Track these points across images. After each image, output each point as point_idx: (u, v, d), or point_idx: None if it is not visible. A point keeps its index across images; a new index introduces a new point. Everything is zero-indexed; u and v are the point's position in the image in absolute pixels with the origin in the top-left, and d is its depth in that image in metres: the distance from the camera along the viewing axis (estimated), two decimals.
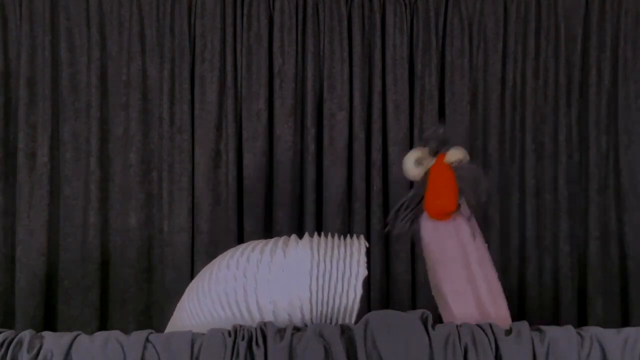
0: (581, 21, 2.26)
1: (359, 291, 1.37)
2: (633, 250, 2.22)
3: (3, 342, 1.25)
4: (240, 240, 2.20)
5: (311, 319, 1.38)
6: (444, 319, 1.51)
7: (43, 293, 2.15)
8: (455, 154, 1.61)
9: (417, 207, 1.61)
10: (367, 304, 2.08)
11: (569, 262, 2.22)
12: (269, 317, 1.36)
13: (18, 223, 2.16)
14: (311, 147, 2.23)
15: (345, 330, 1.28)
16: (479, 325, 1.29)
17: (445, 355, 1.24)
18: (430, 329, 1.27)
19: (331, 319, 1.39)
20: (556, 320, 2.18)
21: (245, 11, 2.22)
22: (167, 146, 2.21)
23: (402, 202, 1.63)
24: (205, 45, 2.22)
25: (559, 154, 2.25)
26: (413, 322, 1.28)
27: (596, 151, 2.25)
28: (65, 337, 1.26)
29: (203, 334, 1.28)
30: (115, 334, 1.27)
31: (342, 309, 1.37)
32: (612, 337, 1.29)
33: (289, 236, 1.51)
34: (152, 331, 1.28)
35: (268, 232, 2.22)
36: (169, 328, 1.52)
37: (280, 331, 1.28)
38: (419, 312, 1.31)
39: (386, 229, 1.72)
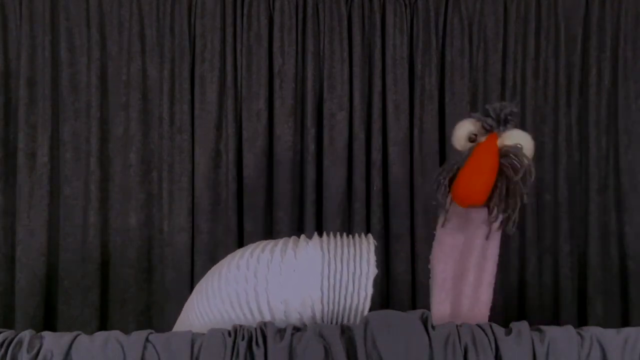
0: (581, 21, 2.26)
1: (370, 290, 1.37)
2: (633, 250, 2.22)
3: (3, 342, 1.25)
4: (240, 240, 2.20)
5: (322, 319, 1.38)
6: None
7: (43, 293, 2.15)
8: (513, 138, 1.40)
9: (448, 182, 1.42)
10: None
11: (569, 262, 2.23)
12: (280, 317, 1.37)
13: (18, 223, 2.16)
14: (311, 147, 2.23)
15: (345, 330, 1.28)
16: (479, 325, 1.29)
17: (445, 355, 1.24)
18: (430, 329, 1.27)
19: (342, 319, 1.39)
20: (556, 320, 2.18)
21: (245, 11, 2.22)
22: (167, 146, 2.21)
23: (441, 170, 1.45)
24: (205, 45, 2.22)
25: (559, 154, 2.25)
26: (413, 322, 1.28)
27: (596, 151, 2.25)
28: (65, 337, 1.26)
29: (203, 334, 1.28)
30: (115, 334, 1.27)
31: (352, 308, 1.37)
32: (612, 337, 1.29)
33: (290, 236, 1.51)
34: (152, 331, 1.28)
35: (268, 232, 2.22)
36: (176, 327, 1.52)
37: (280, 331, 1.28)
38: (419, 312, 1.31)
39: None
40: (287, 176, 2.22)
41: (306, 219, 2.22)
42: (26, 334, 1.26)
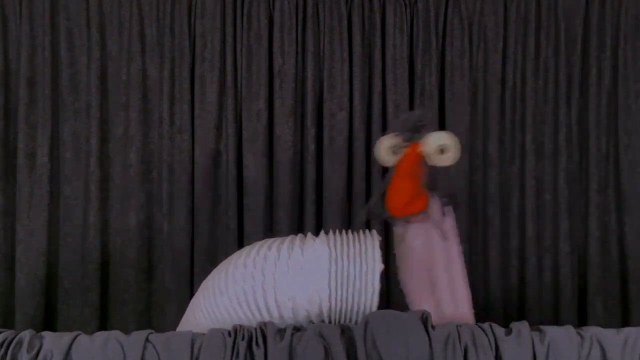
0: (581, 21, 2.26)
1: (377, 286, 1.38)
2: (633, 250, 2.22)
3: (3, 342, 1.25)
4: (240, 240, 2.21)
5: (329, 316, 1.39)
6: None
7: (43, 293, 2.15)
8: (435, 141, 1.43)
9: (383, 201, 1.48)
10: None
11: (569, 262, 2.23)
12: (287, 315, 1.37)
13: (18, 223, 2.16)
14: (311, 147, 2.23)
15: (345, 330, 1.29)
16: (479, 325, 1.30)
17: (445, 355, 1.24)
18: (430, 329, 1.27)
19: (350, 315, 1.40)
20: (556, 320, 2.18)
21: (245, 11, 2.22)
22: (167, 146, 2.21)
23: (374, 197, 1.50)
24: (205, 45, 2.22)
25: (559, 154, 2.25)
26: (413, 322, 1.28)
27: (596, 151, 2.25)
28: (65, 337, 1.26)
29: (203, 334, 1.28)
30: (115, 334, 1.27)
31: (361, 305, 1.38)
32: (612, 337, 1.29)
33: (289, 236, 1.51)
34: (152, 331, 1.28)
35: (268, 232, 2.22)
36: (182, 325, 1.53)
37: (280, 331, 1.28)
38: (419, 312, 1.31)
39: (363, 217, 1.60)
40: (287, 176, 2.22)
41: (306, 219, 2.22)
42: (26, 334, 1.26)
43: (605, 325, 1.35)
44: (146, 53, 2.22)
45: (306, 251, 1.41)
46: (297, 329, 1.30)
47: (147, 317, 2.20)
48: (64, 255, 2.18)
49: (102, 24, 2.21)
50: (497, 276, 2.23)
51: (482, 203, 2.26)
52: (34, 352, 1.23)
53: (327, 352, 1.25)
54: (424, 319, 1.29)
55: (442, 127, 2.26)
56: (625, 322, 2.20)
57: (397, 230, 1.51)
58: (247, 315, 1.39)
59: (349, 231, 1.50)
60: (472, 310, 1.45)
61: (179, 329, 1.50)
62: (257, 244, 1.49)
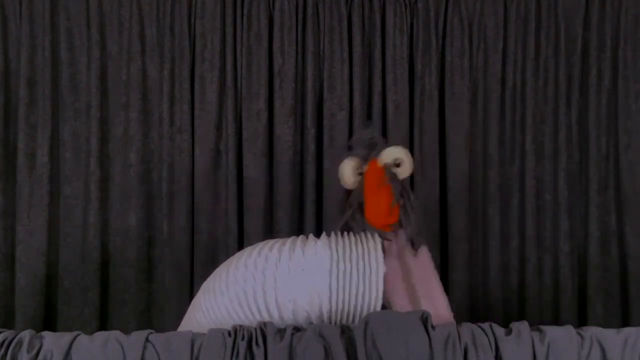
0: (581, 21, 2.26)
1: (381, 288, 1.37)
2: (633, 250, 2.22)
3: (3, 342, 1.25)
4: (240, 240, 2.20)
5: (330, 318, 1.39)
6: None
7: (43, 293, 2.15)
8: (389, 155, 1.51)
9: (362, 216, 1.52)
10: None
11: (569, 262, 2.22)
12: (287, 316, 1.37)
13: (18, 223, 2.16)
14: (311, 147, 2.23)
15: (345, 330, 1.29)
16: (479, 325, 1.30)
17: (445, 355, 1.24)
18: (430, 329, 1.27)
19: (353, 317, 1.40)
20: (556, 320, 2.18)
21: (245, 11, 2.22)
22: (167, 146, 2.21)
23: (346, 215, 1.54)
24: (205, 45, 2.22)
25: (559, 154, 2.25)
26: (413, 322, 1.28)
27: (596, 151, 2.25)
28: (65, 337, 1.26)
29: (203, 334, 1.28)
30: (115, 334, 1.27)
31: (365, 307, 1.38)
32: (612, 337, 1.29)
33: (290, 236, 1.51)
34: (152, 331, 1.28)
35: (268, 232, 2.21)
36: (183, 326, 1.53)
37: (280, 331, 1.28)
38: (419, 312, 1.31)
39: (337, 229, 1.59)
40: (287, 176, 2.22)
41: (306, 219, 2.22)
42: (26, 334, 1.26)
43: (605, 325, 1.35)
44: (146, 53, 2.22)
45: (307, 253, 1.41)
46: (297, 329, 1.30)
47: (147, 317, 2.20)
48: (64, 255, 2.18)
49: (102, 24, 2.21)
50: (497, 276, 2.23)
51: (482, 203, 2.26)
52: (34, 352, 1.23)
53: (327, 352, 1.25)
54: (424, 319, 1.29)
55: (442, 127, 2.26)
56: (625, 322, 2.20)
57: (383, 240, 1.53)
58: (248, 316, 1.39)
59: (351, 233, 1.50)
60: (452, 314, 1.47)
61: (180, 329, 1.50)
62: (258, 245, 1.49)
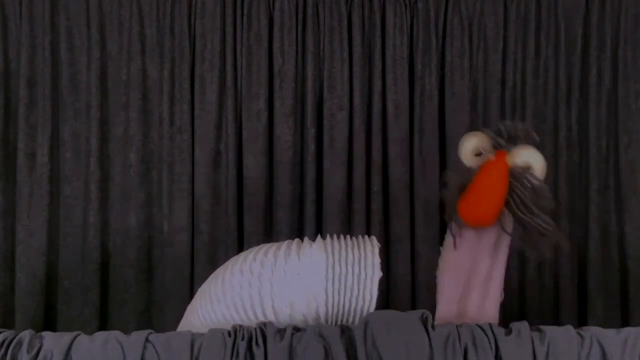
0: (581, 21, 2.25)
1: (375, 293, 1.37)
2: (633, 250, 2.21)
3: (3, 342, 1.25)
4: (240, 240, 2.20)
5: (326, 321, 1.39)
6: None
7: (43, 293, 2.15)
8: (522, 156, 1.35)
9: (456, 200, 1.38)
10: None
11: (569, 262, 2.22)
12: (284, 320, 1.37)
13: (18, 223, 2.16)
14: (311, 147, 2.23)
15: (345, 330, 1.28)
16: (479, 325, 1.30)
17: (445, 355, 1.24)
18: (430, 329, 1.27)
19: (346, 321, 1.40)
20: (556, 320, 2.18)
21: (245, 11, 2.22)
22: (167, 146, 2.21)
23: (450, 187, 1.40)
24: (205, 45, 2.22)
25: (559, 154, 2.25)
26: (413, 322, 1.28)
27: (596, 151, 2.25)
28: (65, 337, 1.26)
29: (203, 334, 1.28)
30: (115, 334, 1.27)
31: (358, 311, 1.38)
32: (612, 337, 1.29)
33: (290, 236, 1.51)
34: (152, 331, 1.28)
35: (268, 232, 2.22)
36: (180, 330, 1.52)
37: (280, 331, 1.28)
38: (419, 312, 1.31)
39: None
40: (287, 176, 2.22)
41: (306, 219, 2.22)
42: (26, 334, 1.26)
43: (605, 325, 1.34)
44: (146, 53, 2.22)
45: (303, 256, 1.41)
46: (297, 329, 1.30)
47: (147, 317, 2.20)
48: (64, 255, 2.18)
49: (102, 24, 2.21)
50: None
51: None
52: (34, 352, 1.23)
53: (327, 352, 1.25)
54: (424, 319, 1.29)
55: (442, 127, 2.26)
56: (625, 322, 2.19)
57: (454, 232, 1.44)
58: (245, 321, 1.39)
59: (347, 237, 1.49)
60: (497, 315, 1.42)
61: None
62: (253, 250, 1.49)
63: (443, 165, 2.25)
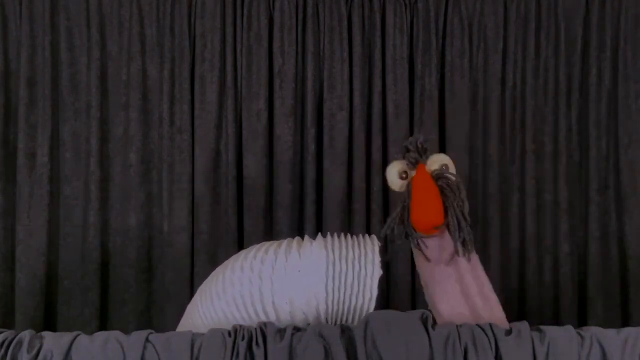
0: (581, 21, 2.26)
1: (375, 291, 1.37)
2: (633, 250, 2.22)
3: (3, 342, 1.25)
4: (240, 240, 2.21)
5: (326, 319, 1.39)
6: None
7: (43, 293, 2.15)
8: (436, 161, 1.52)
9: (407, 220, 1.50)
10: None
11: (569, 262, 2.23)
12: (285, 317, 1.37)
13: (18, 223, 2.16)
14: (311, 147, 2.23)
15: (345, 330, 1.28)
16: (479, 325, 1.30)
17: (445, 355, 1.24)
18: (430, 329, 1.27)
19: (346, 319, 1.40)
20: (556, 320, 2.18)
21: (245, 11, 2.22)
22: (167, 146, 2.21)
23: (392, 217, 1.52)
24: (205, 45, 2.22)
25: (559, 154, 2.25)
26: (413, 322, 1.28)
27: (596, 151, 2.25)
28: (65, 337, 1.26)
29: (203, 334, 1.28)
30: (115, 334, 1.27)
31: (357, 309, 1.38)
32: (612, 337, 1.29)
33: (290, 236, 1.51)
34: (152, 331, 1.28)
35: (268, 232, 2.22)
36: (180, 329, 1.52)
37: (280, 331, 1.28)
38: (419, 312, 1.31)
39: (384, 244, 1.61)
40: (287, 176, 2.22)
41: (306, 219, 2.22)
42: (26, 334, 1.26)
43: (605, 325, 1.34)
44: (146, 53, 2.22)
45: (303, 254, 1.41)
46: (297, 329, 1.30)
47: (147, 317, 2.20)
48: (64, 255, 2.18)
49: (102, 24, 2.21)
50: (497, 276, 2.23)
51: (482, 203, 2.25)
52: (34, 352, 1.23)
53: (327, 352, 1.25)
54: (424, 319, 1.29)
55: (442, 127, 2.26)
56: (625, 322, 2.19)
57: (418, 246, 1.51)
58: (245, 318, 1.39)
59: (348, 235, 1.50)
60: (504, 314, 1.45)
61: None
62: (254, 247, 1.49)
63: None
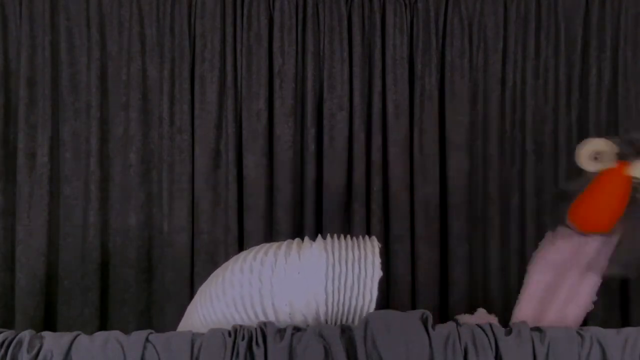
0: (581, 21, 2.25)
1: (375, 293, 1.38)
2: None
3: (3, 342, 1.25)
4: (240, 240, 2.20)
5: (326, 320, 1.39)
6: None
7: (43, 293, 2.15)
8: None
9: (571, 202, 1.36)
10: None
11: None
12: (284, 319, 1.37)
13: (18, 223, 2.16)
14: (311, 147, 2.23)
15: (345, 330, 1.28)
16: (479, 325, 1.29)
17: (445, 355, 1.24)
18: (430, 329, 1.27)
19: (346, 320, 1.40)
20: None
21: (245, 11, 2.22)
22: (167, 146, 2.21)
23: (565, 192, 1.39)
24: (205, 45, 2.22)
25: (559, 154, 2.25)
26: (413, 322, 1.28)
27: None
28: (65, 337, 1.26)
29: (203, 334, 1.28)
30: (115, 334, 1.27)
31: (357, 311, 1.38)
32: (612, 337, 1.29)
33: (290, 236, 1.51)
34: (152, 331, 1.28)
35: (268, 232, 2.22)
36: (180, 330, 1.53)
37: (280, 331, 1.28)
38: (419, 312, 1.31)
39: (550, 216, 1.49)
40: (287, 176, 2.22)
41: (306, 219, 2.22)
42: (26, 334, 1.26)
43: (605, 325, 1.34)
44: (146, 53, 2.22)
45: (303, 256, 1.41)
46: (297, 329, 1.30)
47: (147, 317, 2.20)
48: (64, 255, 2.18)
49: (102, 24, 2.21)
50: (497, 276, 2.23)
51: (482, 203, 2.25)
52: (34, 352, 1.23)
53: (327, 352, 1.25)
54: (424, 319, 1.29)
55: (442, 127, 2.26)
56: (625, 322, 2.19)
57: (559, 234, 1.41)
58: (245, 320, 1.39)
59: (348, 236, 1.49)
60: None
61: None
62: (254, 249, 1.49)
63: (443, 165, 2.25)
